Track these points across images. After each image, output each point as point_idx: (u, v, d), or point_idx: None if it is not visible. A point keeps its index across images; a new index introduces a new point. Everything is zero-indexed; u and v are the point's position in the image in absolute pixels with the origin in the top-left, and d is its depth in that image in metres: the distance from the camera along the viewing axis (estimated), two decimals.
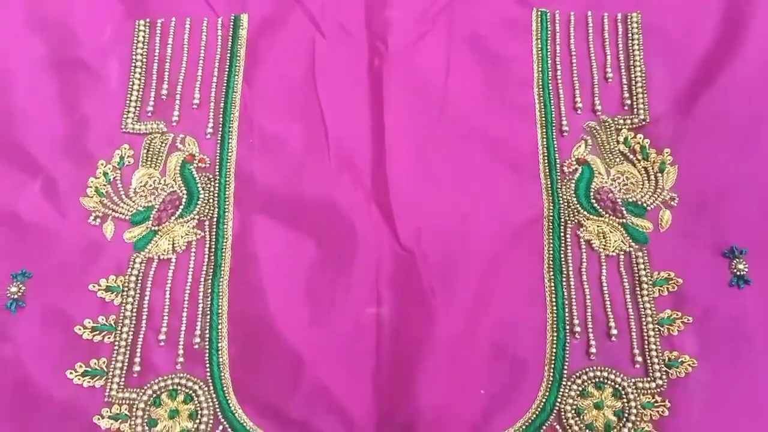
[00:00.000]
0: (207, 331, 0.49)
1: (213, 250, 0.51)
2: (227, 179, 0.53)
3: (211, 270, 0.50)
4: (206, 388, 0.47)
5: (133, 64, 0.56)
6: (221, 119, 0.55)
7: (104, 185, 0.52)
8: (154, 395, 0.47)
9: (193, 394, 0.47)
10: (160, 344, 0.48)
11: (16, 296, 0.48)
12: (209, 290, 0.50)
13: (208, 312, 0.49)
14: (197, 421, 0.46)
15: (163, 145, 0.54)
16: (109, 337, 0.48)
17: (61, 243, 0.50)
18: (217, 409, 0.47)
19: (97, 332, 0.48)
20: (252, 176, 0.53)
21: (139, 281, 0.50)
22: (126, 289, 0.49)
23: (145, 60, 0.56)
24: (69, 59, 0.56)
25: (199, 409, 0.47)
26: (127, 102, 0.55)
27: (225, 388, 0.47)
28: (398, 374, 0.47)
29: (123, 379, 0.47)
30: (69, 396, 0.47)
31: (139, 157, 0.53)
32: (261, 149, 0.54)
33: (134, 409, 0.46)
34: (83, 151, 0.53)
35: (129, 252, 0.50)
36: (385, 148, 0.53)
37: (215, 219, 0.52)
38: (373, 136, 0.54)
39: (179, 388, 0.47)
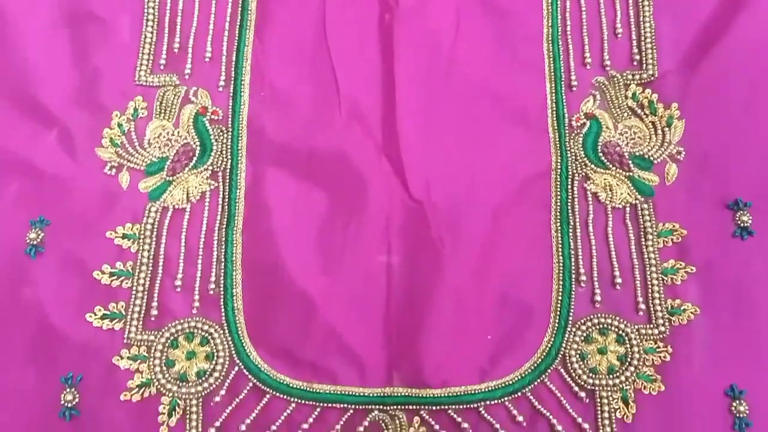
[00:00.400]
0: (221, 278, 0.50)
1: (226, 200, 0.52)
2: (239, 132, 0.54)
3: (225, 219, 0.51)
4: (221, 332, 0.49)
5: (145, 18, 0.56)
6: (233, 73, 0.55)
7: (119, 136, 0.53)
8: (172, 338, 0.49)
9: (209, 337, 0.49)
10: (177, 290, 0.50)
11: (35, 242, 0.50)
12: (223, 239, 0.51)
13: (223, 260, 0.51)
14: (213, 362, 0.48)
15: (176, 97, 0.54)
16: (126, 283, 0.50)
17: (77, 192, 0.51)
18: (233, 352, 0.48)
19: (115, 277, 0.50)
20: (264, 129, 0.54)
21: (155, 229, 0.51)
22: (142, 237, 0.51)
23: (157, 13, 0.56)
24: (81, 12, 0.56)
25: (215, 351, 0.48)
26: (140, 55, 0.55)
27: (239, 332, 0.49)
28: (408, 320, 0.49)
29: (141, 323, 0.49)
30: (89, 338, 0.48)
31: (153, 109, 0.54)
32: (272, 103, 0.55)
33: (152, 351, 0.48)
34: (97, 102, 0.54)
35: (144, 201, 0.52)
36: (395, 102, 0.54)
37: (228, 170, 0.53)
38: (383, 91, 0.55)
39: (195, 331, 0.49)
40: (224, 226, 0.51)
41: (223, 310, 0.49)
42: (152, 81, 0.55)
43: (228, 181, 0.52)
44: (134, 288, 0.49)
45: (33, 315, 0.48)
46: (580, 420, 0.46)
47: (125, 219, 0.51)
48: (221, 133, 0.54)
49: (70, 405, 0.46)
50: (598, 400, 0.47)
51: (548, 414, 0.47)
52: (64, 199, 0.51)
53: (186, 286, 0.50)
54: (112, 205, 0.51)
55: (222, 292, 0.50)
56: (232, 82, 0.55)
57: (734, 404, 0.46)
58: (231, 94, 0.55)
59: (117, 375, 0.47)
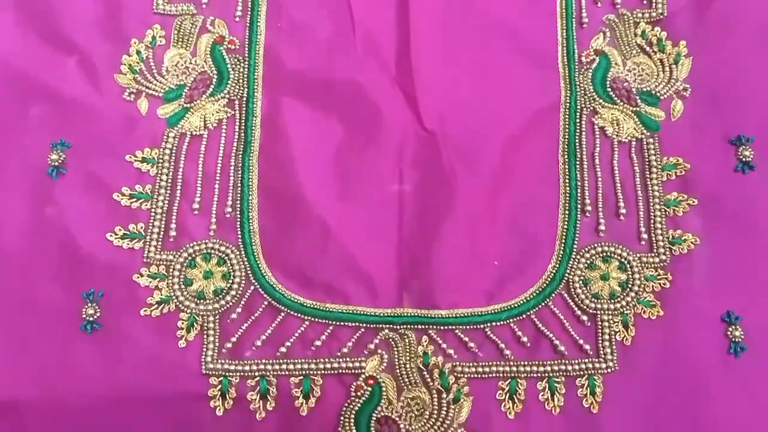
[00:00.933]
0: (238, 202, 0.52)
1: (243, 127, 0.53)
2: (256, 61, 0.55)
3: (242, 146, 0.53)
4: (238, 253, 0.50)
5: None
6: (249, 3, 0.56)
7: (137, 63, 0.54)
8: (190, 258, 0.50)
9: (226, 258, 0.50)
10: (194, 213, 0.51)
11: (56, 163, 0.51)
12: (240, 165, 0.52)
13: (239, 185, 0.52)
14: (230, 281, 0.50)
15: (194, 26, 0.55)
16: (146, 205, 0.51)
17: (97, 116, 0.53)
18: (249, 272, 0.50)
19: (135, 200, 0.51)
20: (280, 59, 0.55)
21: (173, 154, 0.52)
22: (161, 161, 0.52)
23: None
24: None
25: (231, 271, 0.50)
26: None
27: (255, 254, 0.50)
28: (419, 245, 0.51)
29: (160, 243, 0.50)
30: (109, 257, 0.50)
31: (171, 38, 0.55)
32: (289, 34, 0.56)
33: (171, 270, 0.50)
34: (116, 30, 0.55)
35: (163, 127, 0.53)
36: (410, 35, 0.55)
37: (245, 98, 0.54)
38: (398, 23, 0.55)
39: (213, 252, 0.50)
40: (241, 152, 0.53)
41: (239, 232, 0.51)
42: (170, 10, 0.56)
43: (244, 109, 0.54)
44: (153, 210, 0.51)
45: (56, 233, 0.50)
46: (581, 342, 0.48)
47: (144, 143, 0.52)
48: (238, 63, 0.55)
49: (91, 319, 0.48)
50: (600, 323, 0.49)
51: (551, 335, 0.48)
52: (85, 122, 0.52)
53: (203, 209, 0.51)
54: (131, 130, 0.53)
55: (238, 216, 0.51)
56: (249, 12, 0.56)
57: (730, 329, 0.48)
58: (248, 24, 0.56)
59: (137, 292, 0.49)
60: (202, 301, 0.49)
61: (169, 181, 0.52)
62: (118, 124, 0.53)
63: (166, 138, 0.53)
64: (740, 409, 0.47)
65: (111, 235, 0.50)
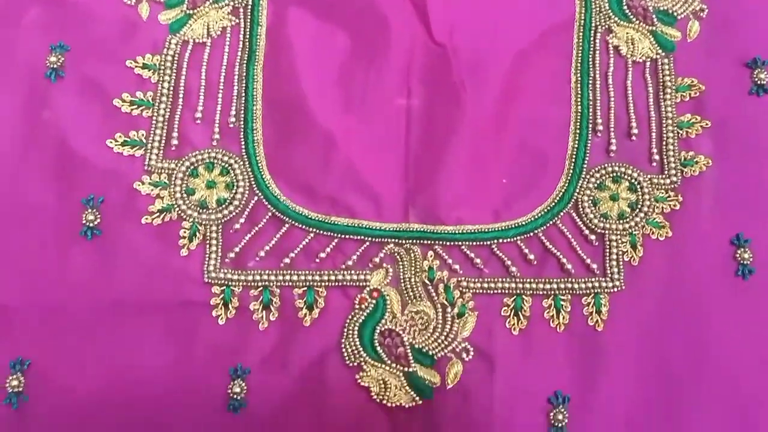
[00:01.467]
0: (242, 112, 0.50)
1: (248, 36, 0.52)
2: None
3: (246, 55, 0.51)
4: (241, 163, 0.49)
5: None
6: None
7: None
8: (192, 167, 0.49)
9: (229, 168, 0.49)
10: (197, 122, 0.50)
11: (55, 66, 0.49)
12: (244, 74, 0.51)
13: (243, 94, 0.51)
14: (233, 191, 0.49)
15: None
16: (147, 112, 0.50)
17: (97, 19, 0.51)
18: (252, 182, 0.49)
19: (135, 106, 0.50)
20: None
21: (175, 62, 0.51)
22: (162, 68, 0.51)
23: None
24: None
25: (235, 181, 0.49)
26: None
27: (259, 164, 0.49)
28: (426, 160, 0.49)
29: (161, 151, 0.49)
30: (109, 163, 0.49)
31: None
32: None
33: (173, 178, 0.49)
34: None
35: (164, 33, 0.51)
36: None
37: (250, 6, 0.52)
38: None
39: (215, 161, 0.49)
40: (245, 61, 0.51)
41: (243, 142, 0.50)
42: None
43: (249, 17, 0.52)
44: (154, 117, 0.50)
45: (54, 137, 0.49)
46: (588, 261, 0.48)
47: (145, 49, 0.51)
48: None
49: (91, 225, 0.47)
50: (608, 243, 0.48)
51: (558, 254, 0.48)
52: (84, 25, 0.51)
53: (206, 119, 0.50)
54: (131, 35, 0.51)
55: (242, 126, 0.50)
56: None
57: (738, 252, 0.48)
58: None
59: (138, 200, 0.48)
60: (204, 210, 0.48)
61: (171, 89, 0.50)
62: (119, 29, 0.51)
63: (168, 45, 0.51)
64: (746, 331, 0.47)
65: (111, 142, 0.49)
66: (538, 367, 0.46)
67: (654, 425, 0.46)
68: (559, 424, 0.45)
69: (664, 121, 0.50)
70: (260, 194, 0.49)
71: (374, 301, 0.47)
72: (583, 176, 0.49)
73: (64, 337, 0.46)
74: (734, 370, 0.46)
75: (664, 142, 0.50)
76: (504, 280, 0.48)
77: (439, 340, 0.46)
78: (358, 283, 0.47)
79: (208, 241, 0.48)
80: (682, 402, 0.46)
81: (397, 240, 0.48)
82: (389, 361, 0.46)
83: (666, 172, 0.50)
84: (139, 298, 0.46)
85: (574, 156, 0.50)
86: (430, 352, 0.46)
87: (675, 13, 0.52)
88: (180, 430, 0.45)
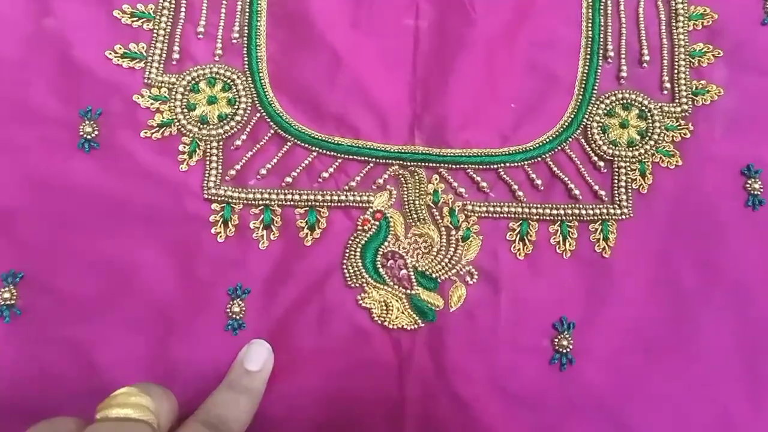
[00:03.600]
0: (245, 28, 0.49)
1: None
2: None
3: None
4: (244, 78, 0.48)
5: None
6: None
7: None
8: (193, 81, 0.48)
9: (231, 83, 0.48)
10: (199, 36, 0.49)
11: None
12: None
13: (247, 10, 0.49)
14: (235, 107, 0.47)
15: None
16: (147, 25, 0.48)
17: None
18: (255, 99, 0.48)
19: (136, 18, 0.48)
20: None
21: None
22: None
23: None
24: None
25: (237, 97, 0.48)
26: None
27: (262, 80, 0.48)
28: (433, 81, 0.48)
29: (162, 65, 0.48)
30: (108, 75, 0.47)
31: None
32: None
33: (173, 93, 0.47)
34: None
35: None
36: None
37: None
38: None
39: (218, 77, 0.48)
40: None
41: (245, 58, 0.48)
42: None
43: None
44: (155, 31, 0.48)
45: (54, 46, 0.47)
46: (596, 188, 0.47)
47: None
48: None
49: (89, 137, 0.46)
50: (616, 170, 0.47)
51: (566, 179, 0.47)
52: None
53: (208, 34, 0.49)
54: None
55: (245, 41, 0.49)
56: None
57: (749, 182, 0.47)
58: None
59: (137, 113, 0.47)
60: (205, 125, 0.47)
61: (173, 1, 0.49)
62: None
63: None
64: (755, 261, 0.46)
65: (110, 53, 0.47)
66: (543, 292, 0.46)
67: (662, 350, 0.45)
68: (564, 350, 0.44)
69: (676, 50, 0.49)
70: (263, 111, 0.47)
71: (377, 223, 0.46)
72: (593, 102, 0.49)
73: (59, 247, 0.45)
74: (746, 294, 0.45)
75: (675, 71, 0.49)
76: (510, 204, 0.47)
77: (443, 263, 0.45)
78: (360, 205, 0.46)
79: (208, 158, 0.46)
80: (691, 327, 0.45)
81: (401, 162, 0.47)
82: (392, 284, 0.45)
83: (677, 101, 0.49)
84: (137, 211, 0.45)
85: (584, 81, 0.49)
86: (434, 275, 0.45)
87: None
88: (179, 346, 0.44)
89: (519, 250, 0.46)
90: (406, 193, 0.47)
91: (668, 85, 0.49)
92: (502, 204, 0.46)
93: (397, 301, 0.45)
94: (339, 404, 0.44)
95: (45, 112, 0.46)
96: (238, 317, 0.45)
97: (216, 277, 0.45)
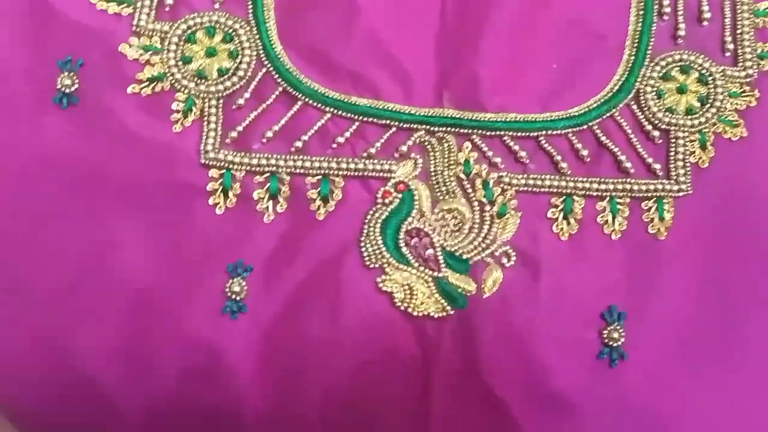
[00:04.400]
0: None
1: None
2: None
3: None
4: (248, 28, 0.42)
5: None
6: None
7: None
8: (189, 30, 0.42)
9: (233, 33, 0.42)
10: None
11: None
12: None
13: None
14: (238, 60, 0.41)
15: None
16: None
17: None
18: (260, 51, 0.41)
19: None
20: None
21: None
22: None
23: None
24: None
25: (240, 49, 0.41)
26: None
27: (269, 30, 0.42)
28: (464, 34, 0.42)
29: (153, 11, 0.42)
30: (90, 21, 0.41)
31: None
32: None
33: (166, 43, 0.41)
34: None
35: None
36: None
37: None
38: None
39: (218, 26, 0.42)
40: None
41: (250, 5, 0.42)
42: None
43: None
44: None
45: None
46: (650, 161, 0.41)
47: None
48: None
49: (67, 91, 0.40)
50: (673, 141, 0.41)
51: (616, 150, 0.41)
52: None
53: None
54: None
55: None
56: None
57: None
58: None
59: (123, 65, 0.41)
60: (203, 81, 0.41)
61: None
62: None
63: None
64: None
65: None
66: (589, 278, 0.40)
67: (712, 348, 0.40)
68: (615, 344, 0.39)
69: (738, 7, 0.44)
70: (269, 65, 0.41)
71: (400, 196, 0.40)
72: (647, 64, 0.43)
73: (30, 218, 0.39)
74: None
75: (738, 31, 0.43)
76: (552, 177, 0.41)
77: (475, 243, 0.40)
78: (381, 174, 0.40)
79: (206, 117, 0.40)
80: (744, 327, 0.40)
81: (428, 127, 0.41)
82: (416, 264, 0.39)
83: (741, 64, 0.43)
84: (120, 178, 0.39)
85: (636, 41, 0.43)
86: (465, 256, 0.39)
87: None
88: (167, 333, 0.38)
89: (562, 229, 0.40)
90: (433, 162, 0.41)
91: (731, 46, 0.43)
92: (543, 177, 0.41)
93: (422, 284, 0.39)
94: (354, 403, 0.39)
95: (13, 63, 0.40)
96: (238, 298, 0.39)
97: (212, 255, 0.39)
